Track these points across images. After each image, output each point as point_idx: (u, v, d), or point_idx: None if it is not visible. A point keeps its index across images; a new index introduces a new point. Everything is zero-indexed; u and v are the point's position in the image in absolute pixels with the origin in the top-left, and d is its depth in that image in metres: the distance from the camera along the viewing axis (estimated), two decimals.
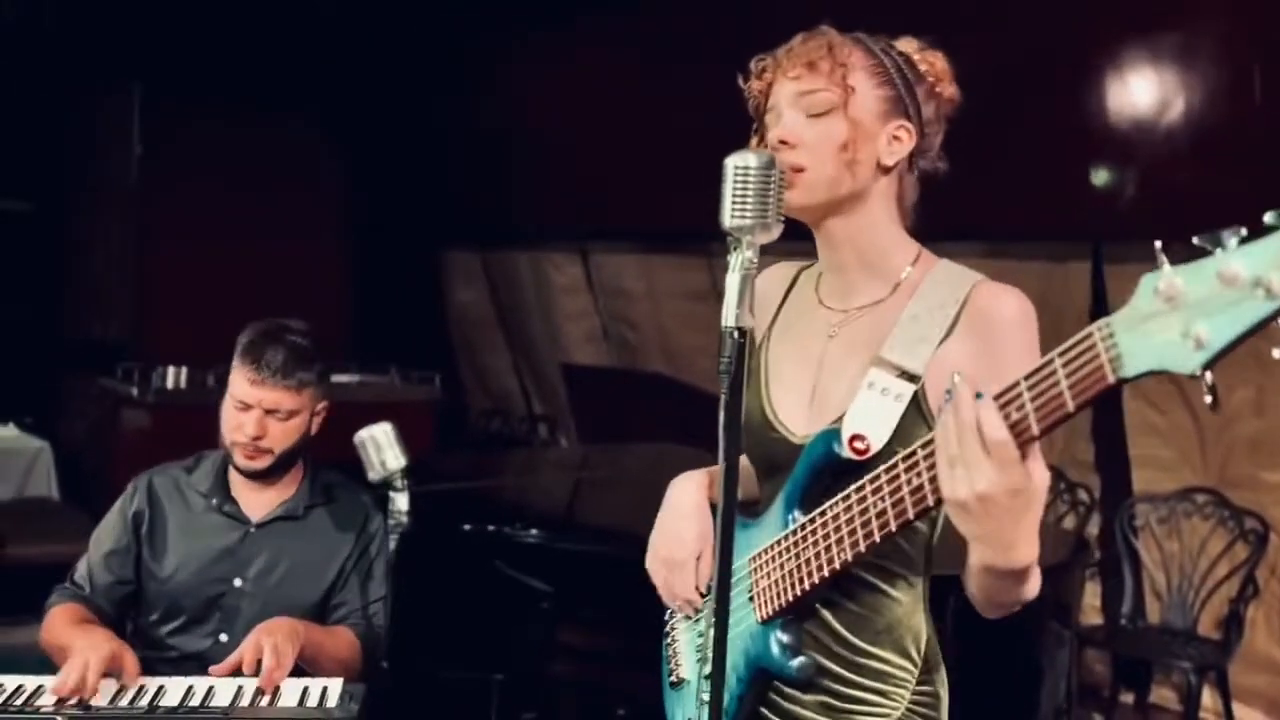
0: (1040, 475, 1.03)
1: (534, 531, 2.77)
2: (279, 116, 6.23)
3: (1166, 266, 0.85)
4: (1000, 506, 1.02)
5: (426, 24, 6.05)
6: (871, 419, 1.26)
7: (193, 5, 5.77)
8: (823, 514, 1.25)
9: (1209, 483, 4.01)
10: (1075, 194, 4.19)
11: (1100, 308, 4.08)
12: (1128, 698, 4.18)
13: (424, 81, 6.51)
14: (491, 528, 2.76)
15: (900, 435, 1.24)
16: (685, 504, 1.47)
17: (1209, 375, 0.83)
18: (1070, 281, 4.14)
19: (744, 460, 1.52)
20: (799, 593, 1.28)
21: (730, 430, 1.23)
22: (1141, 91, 3.93)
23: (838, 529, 1.22)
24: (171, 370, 5.19)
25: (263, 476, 2.07)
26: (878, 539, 1.18)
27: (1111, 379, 0.91)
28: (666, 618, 1.56)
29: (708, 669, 1.19)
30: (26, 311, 6.92)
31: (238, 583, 2.05)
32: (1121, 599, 4.15)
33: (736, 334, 1.23)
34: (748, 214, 1.22)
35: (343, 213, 6.78)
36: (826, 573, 1.24)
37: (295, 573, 2.07)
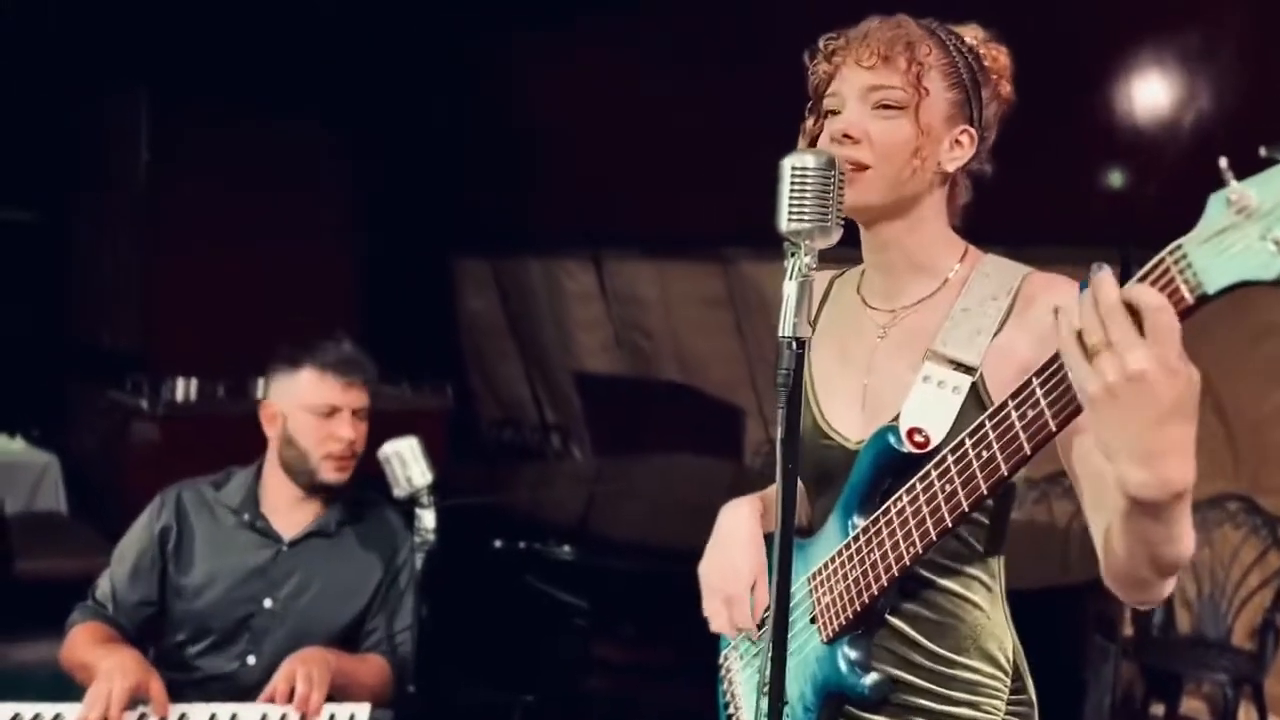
0: (1195, 373, 0.90)
1: (566, 547, 2.70)
2: (288, 123, 6.18)
3: (1234, 181, 0.82)
4: (1156, 388, 0.88)
5: (436, 28, 6.02)
6: (929, 412, 1.21)
7: (199, 8, 5.72)
8: (886, 512, 1.19)
9: (1241, 489, 3.94)
10: (1101, 197, 4.14)
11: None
12: (1158, 710, 4.10)
13: (434, 87, 6.47)
14: (523, 544, 2.69)
15: (961, 428, 1.17)
16: (738, 533, 1.39)
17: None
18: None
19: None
20: (866, 600, 1.22)
21: (789, 442, 1.17)
22: (1168, 93, 3.88)
23: (904, 523, 1.16)
24: (181, 382, 5.14)
25: (332, 492, 2.05)
26: (950, 524, 1.11)
27: (1190, 299, 0.85)
28: (721, 660, 1.50)
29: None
30: (34, 321, 6.87)
31: (268, 603, 1.99)
32: (1152, 609, 4.07)
33: (795, 344, 1.17)
34: (806, 217, 1.16)
35: (353, 220, 6.73)
36: (896, 571, 1.18)
37: (327, 595, 2.01)
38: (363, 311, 6.56)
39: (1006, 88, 1.34)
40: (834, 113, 1.28)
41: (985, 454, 1.07)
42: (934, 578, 1.25)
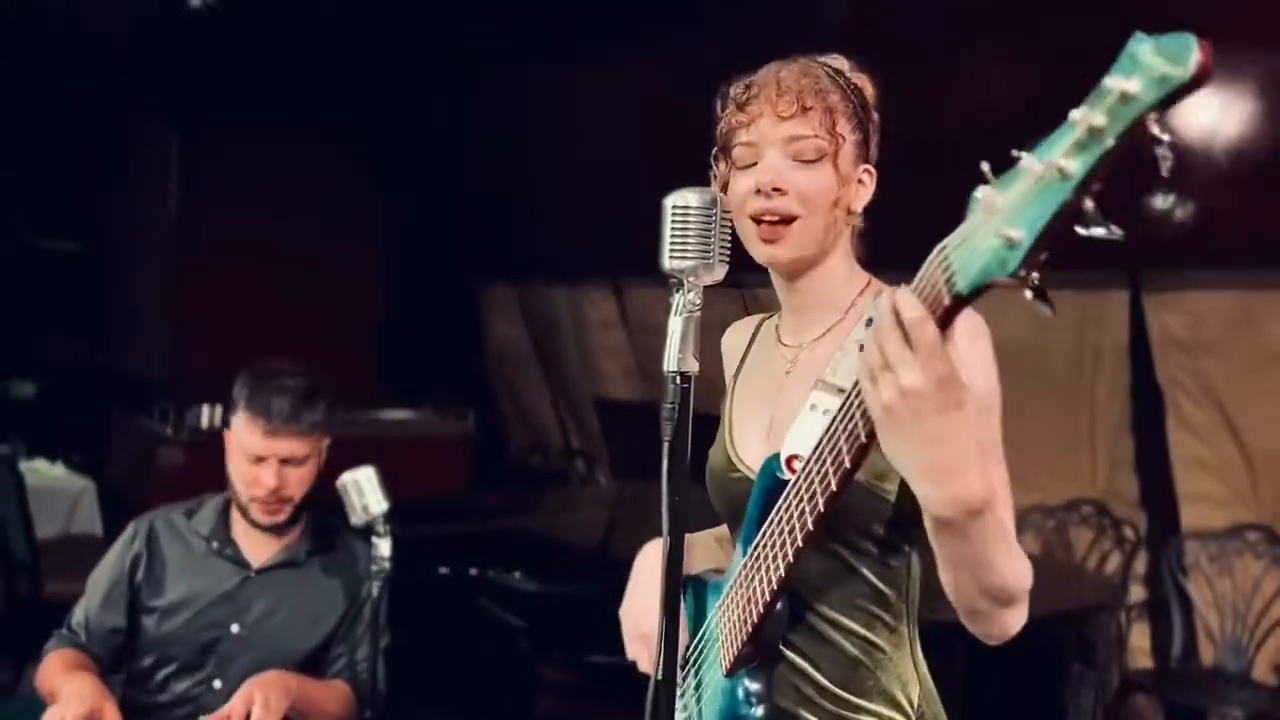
0: (981, 384, 0.94)
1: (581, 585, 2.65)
2: (315, 153, 6.33)
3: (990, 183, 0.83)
4: (929, 402, 0.90)
5: (465, 59, 6.12)
6: (809, 439, 1.21)
7: (227, 43, 5.90)
8: (760, 538, 1.20)
9: (1261, 519, 3.83)
10: (1113, 221, 4.07)
11: (1139, 340, 3.95)
12: None
13: (461, 116, 6.59)
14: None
15: None
16: (655, 574, 1.42)
17: (1035, 277, 0.80)
18: (1107, 312, 4.02)
19: (722, 531, 1.48)
20: (749, 629, 1.22)
21: (674, 476, 1.19)
22: (1182, 115, 3.82)
23: (770, 547, 1.17)
24: (206, 409, 5.27)
25: (277, 529, 2.05)
26: (800, 544, 1.12)
27: (948, 299, 0.86)
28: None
29: None
30: (78, 350, 7.09)
31: (235, 628, 2.03)
32: (1171, 641, 3.97)
33: (679, 379, 1.20)
34: (689, 255, 1.19)
35: (380, 248, 6.86)
36: (768, 596, 1.18)
37: (293, 621, 2.05)
38: (389, 338, 6.68)
39: (874, 115, 1.34)
40: (749, 164, 1.27)
41: (821, 469, 1.07)
42: (835, 615, 1.25)
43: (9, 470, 4.75)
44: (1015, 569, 1.05)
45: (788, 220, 1.24)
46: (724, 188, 1.33)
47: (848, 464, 1.02)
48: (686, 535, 1.50)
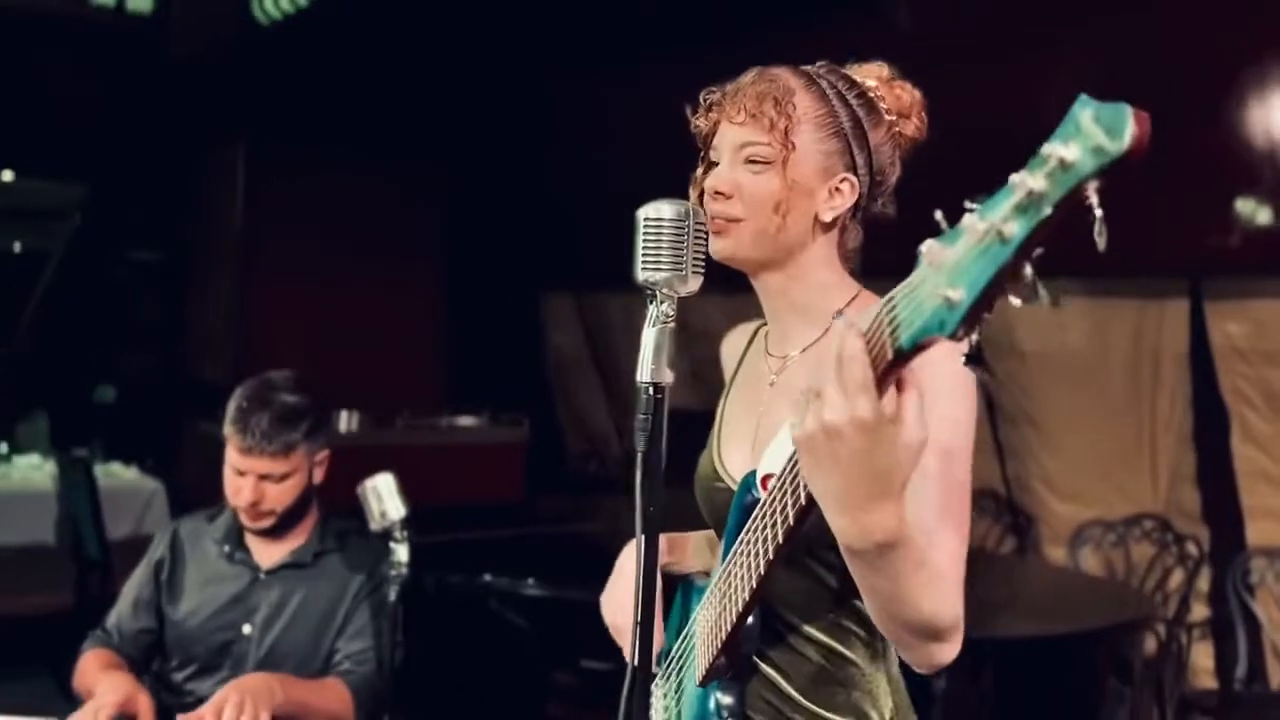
0: (915, 426, 0.90)
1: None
2: (377, 166, 6.46)
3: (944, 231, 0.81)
4: (849, 441, 0.89)
5: (522, 69, 6.20)
6: (783, 458, 1.21)
7: (293, 60, 6.07)
8: (733, 555, 1.20)
9: None
10: (1173, 227, 3.96)
11: (1200, 349, 3.83)
12: None
13: (520, 126, 6.67)
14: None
15: None
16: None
17: (974, 337, 0.78)
18: (1166, 320, 3.90)
19: (696, 534, 1.48)
20: (720, 642, 1.22)
21: (646, 486, 1.19)
22: (1244, 120, 3.70)
23: (741, 565, 1.17)
24: None
25: (268, 533, 2.11)
26: (763, 568, 1.11)
27: (890, 353, 0.84)
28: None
29: None
30: (154, 358, 7.35)
31: (246, 629, 2.08)
32: (1236, 662, 3.83)
33: (652, 390, 1.20)
34: (662, 267, 1.20)
35: (440, 256, 6.97)
36: (739, 611, 1.18)
37: (301, 619, 2.09)
38: (451, 346, 6.78)
39: (913, 125, 1.33)
40: (715, 165, 1.30)
41: (782, 500, 1.07)
42: (808, 629, 1.25)
43: (84, 474, 4.95)
44: (936, 606, 1.03)
45: (734, 221, 1.26)
46: (701, 193, 1.33)
47: (803, 500, 1.02)
48: (679, 534, 1.53)
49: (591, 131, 6.18)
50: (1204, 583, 3.99)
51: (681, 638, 1.38)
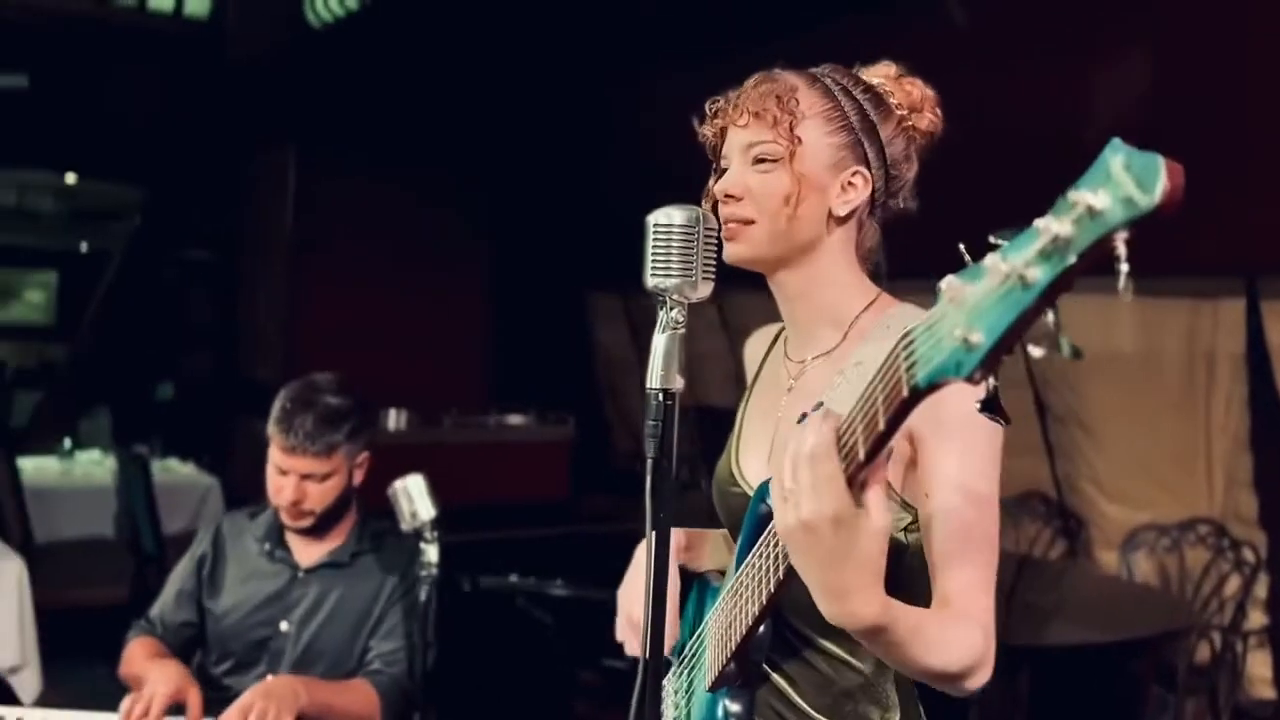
0: (878, 515, 0.92)
1: None
2: (425, 165, 6.53)
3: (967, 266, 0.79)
4: (824, 539, 0.93)
5: (568, 69, 6.22)
6: None
7: (344, 63, 6.15)
8: (747, 566, 1.19)
9: None
10: (1228, 224, 3.86)
11: (1257, 348, 3.72)
12: None
13: (567, 126, 6.69)
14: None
15: None
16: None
17: (991, 382, 0.76)
18: (1221, 320, 3.80)
19: (715, 531, 1.48)
20: (730, 651, 1.22)
21: (657, 494, 1.19)
22: None
23: (753, 578, 1.16)
24: None
25: (308, 532, 2.14)
26: (773, 588, 1.11)
27: (905, 391, 0.82)
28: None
29: None
30: (210, 356, 7.51)
31: (284, 626, 2.12)
32: None
33: (662, 396, 1.20)
34: (672, 273, 1.19)
35: (488, 257, 7.02)
36: (749, 623, 1.17)
37: (338, 618, 2.12)
38: (498, 345, 6.83)
39: (925, 119, 1.31)
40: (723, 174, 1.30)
41: None
42: (816, 638, 1.24)
43: (141, 470, 5.07)
44: (946, 658, 1.05)
45: (746, 223, 1.26)
46: (714, 204, 1.33)
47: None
48: (698, 530, 1.52)
49: (638, 131, 6.18)
50: (1261, 589, 3.88)
51: (695, 637, 1.38)
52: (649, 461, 1.19)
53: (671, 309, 1.21)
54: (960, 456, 1.11)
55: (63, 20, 6.22)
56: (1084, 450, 4.43)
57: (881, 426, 0.86)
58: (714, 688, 1.26)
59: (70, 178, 8.07)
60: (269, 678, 2.07)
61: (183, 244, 7.72)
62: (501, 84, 6.31)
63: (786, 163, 1.23)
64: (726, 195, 1.26)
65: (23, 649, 3.51)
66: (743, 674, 1.24)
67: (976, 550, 1.10)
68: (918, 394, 0.82)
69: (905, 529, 1.17)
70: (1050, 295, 0.71)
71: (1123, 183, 0.67)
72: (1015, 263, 0.71)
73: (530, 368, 6.95)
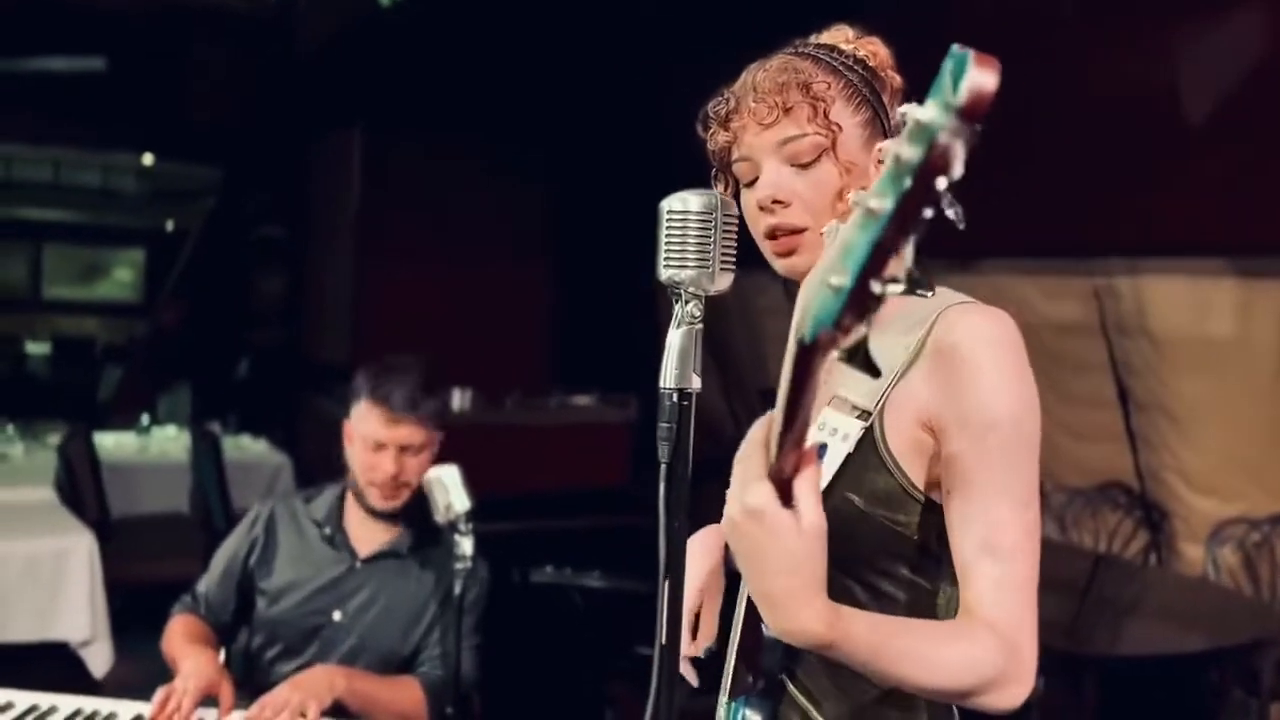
0: (806, 510, 0.85)
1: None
2: (490, 146, 6.51)
3: None
4: (749, 537, 0.87)
5: (631, 52, 6.13)
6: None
7: (413, 44, 6.15)
8: None
9: None
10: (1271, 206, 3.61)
11: None
12: None
13: (633, 106, 6.60)
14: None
15: (849, 478, 1.08)
16: (692, 545, 1.33)
17: (861, 330, 0.68)
18: None
19: None
20: (745, 651, 1.15)
21: (671, 498, 1.11)
22: None
23: None
24: None
25: (391, 516, 2.11)
26: None
27: (793, 345, 0.76)
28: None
29: None
30: (281, 335, 7.64)
31: (337, 615, 2.09)
32: None
33: (677, 397, 1.11)
34: (688, 263, 1.10)
35: (552, 237, 6.99)
36: (751, 628, 1.11)
37: (391, 611, 2.09)
38: (563, 326, 6.80)
39: (896, 79, 1.21)
40: (752, 179, 1.19)
41: None
42: None
43: (212, 447, 5.16)
44: (944, 677, 0.95)
45: (798, 232, 1.15)
46: None
47: None
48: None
49: (698, 112, 6.07)
50: None
51: (729, 642, 1.31)
52: (663, 467, 1.11)
53: (688, 302, 1.11)
54: (988, 449, 1.01)
55: (139, 4, 6.34)
56: (1169, 439, 4.21)
57: (785, 389, 0.79)
58: (732, 695, 1.19)
59: (148, 158, 8.25)
60: (307, 670, 2.05)
61: (257, 223, 7.84)
62: (568, 62, 6.24)
63: (830, 153, 1.13)
64: (774, 201, 1.15)
65: (94, 623, 3.59)
66: (758, 681, 1.16)
67: (1008, 553, 0.99)
68: (806, 349, 0.74)
69: (919, 522, 1.07)
70: (899, 223, 0.63)
71: (945, 87, 0.61)
72: (869, 194, 0.65)
73: (594, 350, 6.91)
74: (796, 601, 0.87)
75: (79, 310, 11.05)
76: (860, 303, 0.66)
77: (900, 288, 0.66)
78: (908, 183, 0.62)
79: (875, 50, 1.21)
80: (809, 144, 1.13)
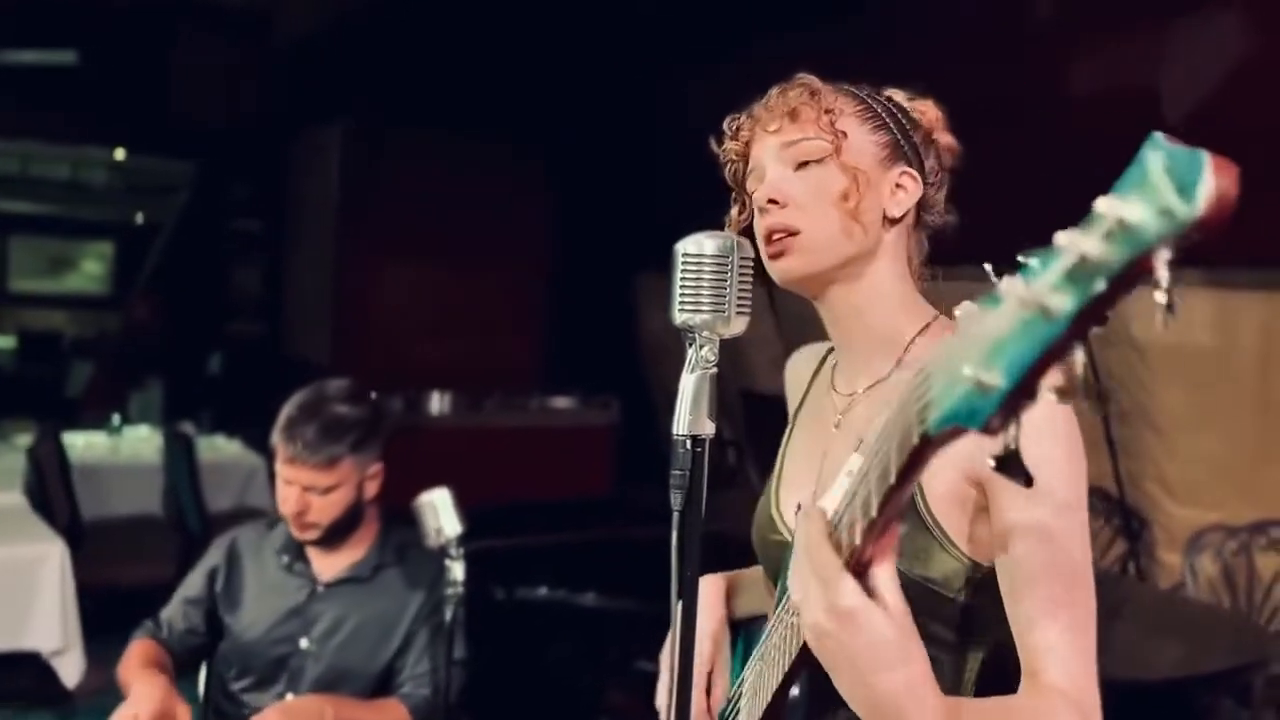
0: (890, 598, 0.79)
1: None
2: (475, 144, 6.45)
3: (995, 285, 0.65)
4: (833, 640, 0.80)
5: (625, 49, 6.09)
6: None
7: (396, 38, 6.08)
8: (773, 627, 1.08)
9: None
10: None
11: None
12: None
13: (622, 107, 6.56)
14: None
15: None
16: (704, 612, 1.31)
17: (1013, 433, 0.61)
18: None
19: (760, 571, 1.37)
20: (763, 710, 1.10)
21: (684, 550, 1.08)
22: None
23: (777, 644, 1.06)
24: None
25: (318, 545, 2.07)
26: (795, 654, 0.99)
27: (916, 439, 0.68)
28: None
29: None
30: (256, 331, 7.54)
31: (304, 643, 2.05)
32: None
33: (690, 444, 1.09)
34: (703, 307, 1.08)
35: (538, 237, 6.94)
36: (772, 691, 1.06)
37: (359, 635, 2.05)
38: (547, 327, 6.75)
39: (945, 137, 1.21)
40: (750, 200, 1.19)
41: None
42: None
43: (185, 448, 5.08)
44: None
45: (793, 234, 1.13)
46: (738, 233, 1.21)
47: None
48: (748, 571, 1.41)
49: (693, 114, 6.03)
50: None
51: (737, 685, 1.28)
52: (675, 515, 1.08)
53: (702, 346, 1.09)
54: (1037, 500, 0.98)
55: None
56: (1150, 449, 4.24)
57: (893, 479, 0.73)
58: None
59: (119, 153, 8.11)
60: (289, 697, 2.01)
61: (233, 218, 7.73)
62: (554, 59, 6.19)
63: (833, 157, 1.12)
64: (770, 201, 1.14)
65: (65, 633, 3.52)
66: None
67: (1067, 610, 0.97)
68: (928, 442, 0.68)
69: (972, 585, 1.05)
70: (1079, 327, 0.58)
71: (1161, 189, 0.54)
72: (1037, 288, 0.58)
73: (579, 351, 6.87)
74: (915, 698, 0.82)
75: (46, 304, 10.88)
76: (1016, 407, 0.61)
77: (1067, 402, 0.60)
78: (1100, 286, 0.56)
79: (924, 111, 1.20)
80: (812, 146, 1.13)
